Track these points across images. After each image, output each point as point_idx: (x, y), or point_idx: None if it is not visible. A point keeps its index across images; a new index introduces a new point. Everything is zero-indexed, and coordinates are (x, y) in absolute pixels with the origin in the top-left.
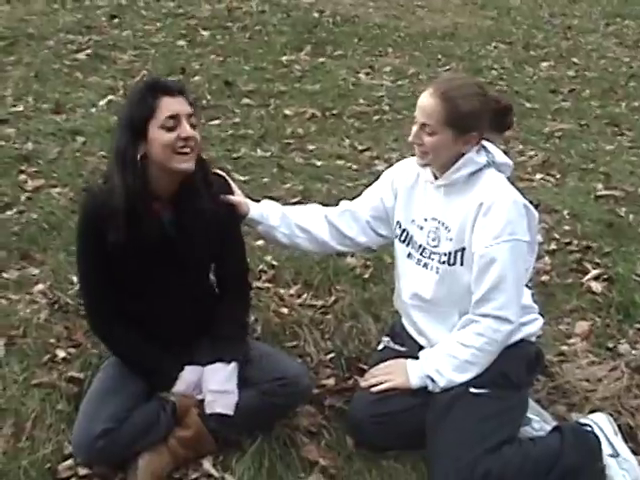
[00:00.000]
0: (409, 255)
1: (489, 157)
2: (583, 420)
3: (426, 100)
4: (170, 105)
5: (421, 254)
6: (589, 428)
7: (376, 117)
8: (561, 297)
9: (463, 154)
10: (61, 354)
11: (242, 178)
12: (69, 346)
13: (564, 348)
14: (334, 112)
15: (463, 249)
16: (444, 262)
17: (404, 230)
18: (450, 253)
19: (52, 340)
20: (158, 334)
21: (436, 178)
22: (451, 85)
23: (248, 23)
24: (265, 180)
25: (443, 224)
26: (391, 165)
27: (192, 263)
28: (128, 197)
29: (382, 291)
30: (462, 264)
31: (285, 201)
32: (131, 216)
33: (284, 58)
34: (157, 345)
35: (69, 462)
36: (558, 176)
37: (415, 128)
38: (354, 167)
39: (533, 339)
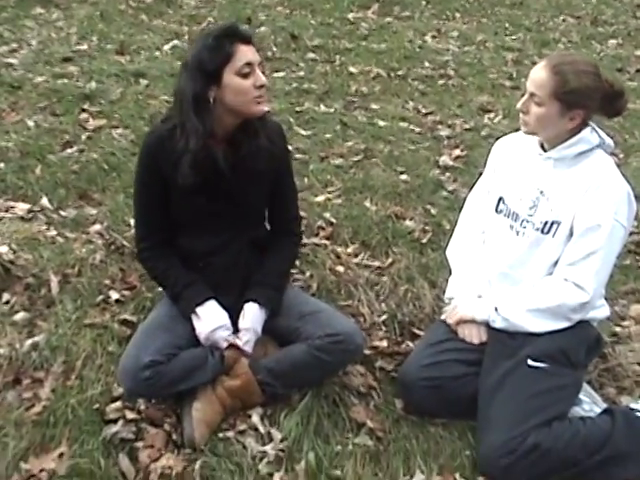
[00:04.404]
0: (511, 227)
1: (601, 139)
2: (634, 405)
3: (538, 72)
4: (246, 53)
5: (520, 224)
6: (639, 414)
7: (441, 81)
8: (617, 278)
9: (574, 132)
10: (115, 296)
11: (304, 132)
12: (123, 288)
13: (617, 330)
14: (399, 73)
15: (559, 223)
16: (537, 229)
17: (503, 202)
18: (547, 222)
19: (107, 281)
20: (208, 274)
21: (544, 150)
22: (564, 60)
23: None
24: (328, 136)
25: (544, 194)
26: (454, 130)
27: (246, 201)
28: (200, 140)
29: (439, 257)
30: (553, 236)
31: (347, 159)
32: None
33: (351, 15)
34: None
35: (117, 404)
36: (621, 156)
37: (525, 97)
38: (417, 130)
39: (595, 324)
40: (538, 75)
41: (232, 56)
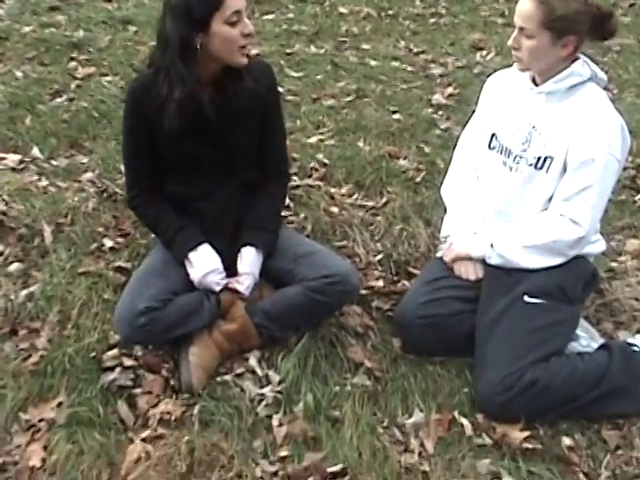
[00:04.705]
0: (504, 163)
1: (592, 71)
2: (631, 340)
3: (523, 4)
4: (235, 0)
5: (513, 159)
6: (637, 349)
7: (432, 20)
8: (613, 213)
9: (568, 64)
10: (109, 243)
11: (295, 74)
12: (117, 235)
13: (614, 265)
14: (390, 12)
15: (552, 158)
16: (531, 165)
17: (495, 138)
18: (540, 158)
19: (100, 229)
20: (199, 219)
21: (536, 85)
22: None
23: None
24: (319, 77)
25: (536, 129)
26: (446, 69)
27: (234, 144)
28: (186, 88)
29: (434, 195)
30: (547, 171)
31: (339, 99)
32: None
33: None
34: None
35: (114, 352)
36: (615, 91)
37: (514, 33)
38: (409, 69)
39: (591, 259)
40: (524, 7)
41: (221, 4)
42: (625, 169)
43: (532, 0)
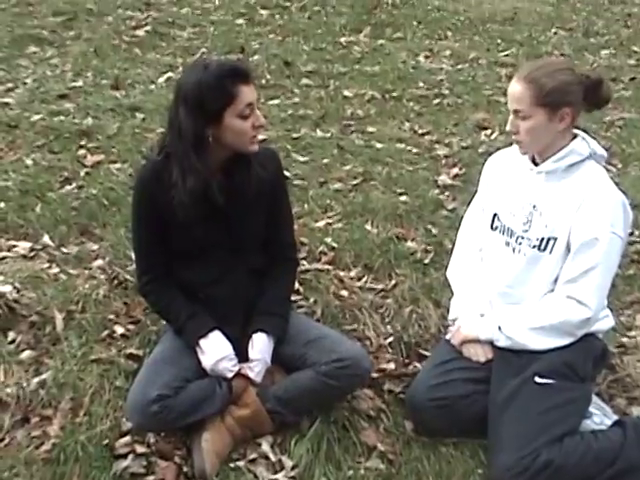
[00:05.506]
0: (507, 243)
1: (591, 149)
2: None
3: (513, 87)
4: (248, 94)
5: (516, 240)
6: None
7: (436, 101)
8: (622, 288)
9: (565, 145)
10: (120, 330)
11: (302, 159)
12: (128, 322)
13: (624, 340)
14: (394, 95)
15: (555, 239)
16: (534, 247)
17: (497, 218)
18: (543, 239)
19: (111, 316)
20: (209, 305)
21: (535, 164)
22: (534, 67)
23: (307, 3)
24: (325, 161)
25: (537, 209)
26: (451, 149)
27: (242, 230)
28: (199, 180)
29: (442, 277)
30: (551, 252)
31: (346, 183)
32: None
33: (343, 39)
34: (201, 308)
35: (127, 439)
36: (619, 166)
37: (510, 117)
38: (414, 151)
39: (600, 336)
40: (515, 90)
41: (235, 98)
42: (632, 243)
43: (520, 81)
